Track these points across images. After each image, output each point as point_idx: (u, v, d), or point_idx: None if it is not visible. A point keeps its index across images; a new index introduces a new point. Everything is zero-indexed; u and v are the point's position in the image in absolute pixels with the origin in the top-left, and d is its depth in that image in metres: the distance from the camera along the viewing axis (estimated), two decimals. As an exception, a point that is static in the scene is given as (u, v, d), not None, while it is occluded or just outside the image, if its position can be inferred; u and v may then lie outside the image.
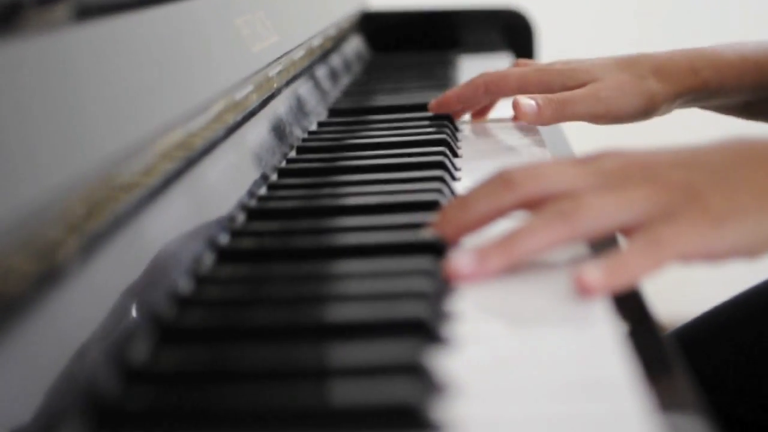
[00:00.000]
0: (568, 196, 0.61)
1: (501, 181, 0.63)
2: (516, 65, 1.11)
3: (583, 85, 1.00)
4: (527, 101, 0.98)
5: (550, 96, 0.99)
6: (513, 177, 0.63)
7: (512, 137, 1.02)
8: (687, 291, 2.18)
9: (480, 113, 1.11)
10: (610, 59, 1.03)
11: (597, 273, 0.57)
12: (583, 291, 0.57)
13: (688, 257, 0.59)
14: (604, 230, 0.60)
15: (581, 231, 0.60)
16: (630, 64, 1.01)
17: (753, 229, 0.59)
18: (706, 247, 0.59)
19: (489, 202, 0.63)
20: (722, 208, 0.59)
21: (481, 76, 1.05)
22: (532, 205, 0.62)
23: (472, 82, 1.05)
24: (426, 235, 0.64)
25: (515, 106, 0.99)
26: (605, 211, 0.60)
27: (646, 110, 1.00)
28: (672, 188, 0.60)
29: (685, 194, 0.60)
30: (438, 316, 0.54)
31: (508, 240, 0.60)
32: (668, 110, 1.02)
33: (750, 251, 0.60)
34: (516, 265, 0.60)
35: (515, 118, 1.03)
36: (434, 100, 1.08)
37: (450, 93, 1.07)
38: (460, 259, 0.60)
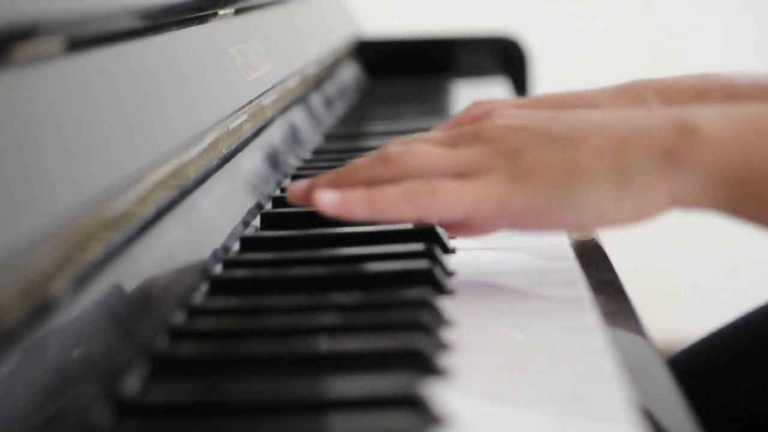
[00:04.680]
0: (427, 177, 0.63)
1: (380, 157, 0.66)
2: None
3: None
4: None
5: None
6: (390, 155, 0.66)
7: None
8: (683, 313, 2.18)
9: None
10: (609, 87, 0.96)
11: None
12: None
13: (479, 208, 0.61)
14: (449, 216, 0.62)
15: (428, 213, 0.63)
16: (631, 89, 0.95)
17: (550, 193, 0.60)
18: (498, 198, 0.60)
19: (364, 173, 0.66)
20: (527, 165, 0.61)
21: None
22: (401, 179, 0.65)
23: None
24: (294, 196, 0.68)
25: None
26: (453, 199, 0.62)
27: None
28: (504, 153, 0.62)
29: (510, 155, 0.62)
30: (435, 347, 0.54)
31: (371, 197, 0.63)
32: None
33: (545, 218, 0.60)
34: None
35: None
36: None
37: None
38: (326, 194, 0.63)
